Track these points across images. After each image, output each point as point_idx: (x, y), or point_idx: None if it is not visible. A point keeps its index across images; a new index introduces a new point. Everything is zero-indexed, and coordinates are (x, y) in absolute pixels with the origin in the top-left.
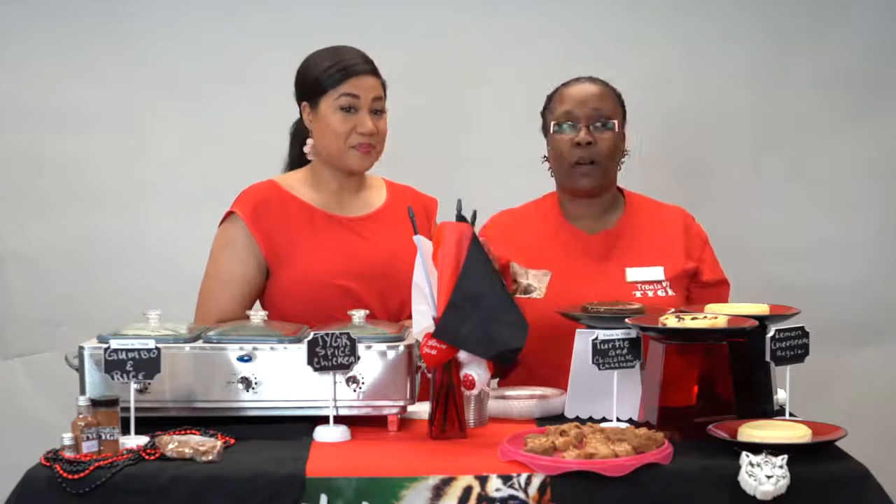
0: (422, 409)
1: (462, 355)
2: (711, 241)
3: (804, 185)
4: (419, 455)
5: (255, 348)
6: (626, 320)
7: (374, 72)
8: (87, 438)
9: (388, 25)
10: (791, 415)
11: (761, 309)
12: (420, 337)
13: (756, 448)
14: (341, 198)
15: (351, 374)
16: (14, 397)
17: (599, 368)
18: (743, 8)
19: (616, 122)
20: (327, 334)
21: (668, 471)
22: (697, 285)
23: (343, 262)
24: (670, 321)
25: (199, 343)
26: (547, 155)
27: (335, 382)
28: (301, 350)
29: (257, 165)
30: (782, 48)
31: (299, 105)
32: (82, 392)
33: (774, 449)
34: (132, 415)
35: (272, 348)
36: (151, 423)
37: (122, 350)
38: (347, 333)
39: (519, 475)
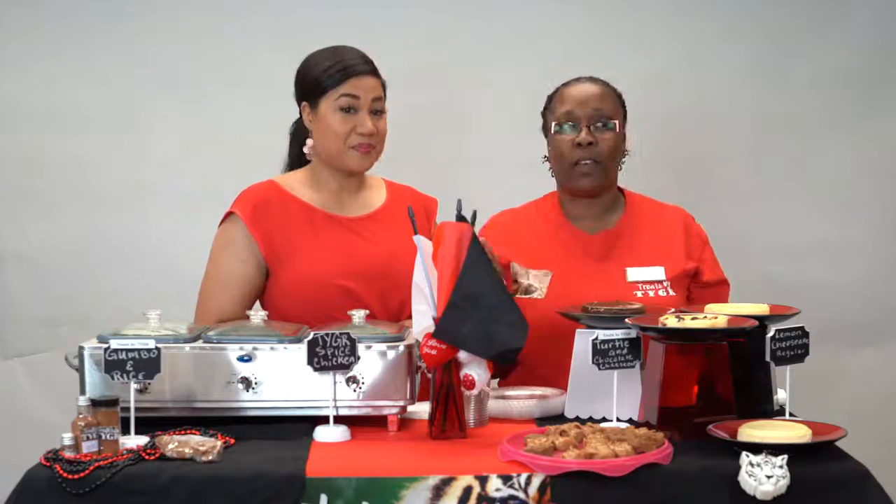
0: (422, 409)
1: (462, 355)
2: (711, 241)
3: (804, 185)
4: (419, 455)
5: (255, 348)
6: (626, 320)
7: (374, 72)
8: (87, 438)
9: (388, 26)
10: (791, 415)
11: (761, 309)
12: (420, 337)
13: (756, 448)
14: (341, 198)
15: (351, 374)
16: (14, 397)
17: (599, 368)
18: (743, 8)
19: (617, 122)
20: (327, 334)
21: (668, 471)
22: (698, 285)
23: (343, 262)
24: (670, 321)
25: (199, 343)
26: (547, 155)
27: (335, 382)
28: (301, 350)
29: (257, 165)
30: (782, 48)
31: (299, 105)
32: (82, 392)
33: (774, 449)
34: (132, 415)
35: (272, 348)
36: (151, 423)
37: (122, 350)
38: (347, 333)
39: (519, 475)
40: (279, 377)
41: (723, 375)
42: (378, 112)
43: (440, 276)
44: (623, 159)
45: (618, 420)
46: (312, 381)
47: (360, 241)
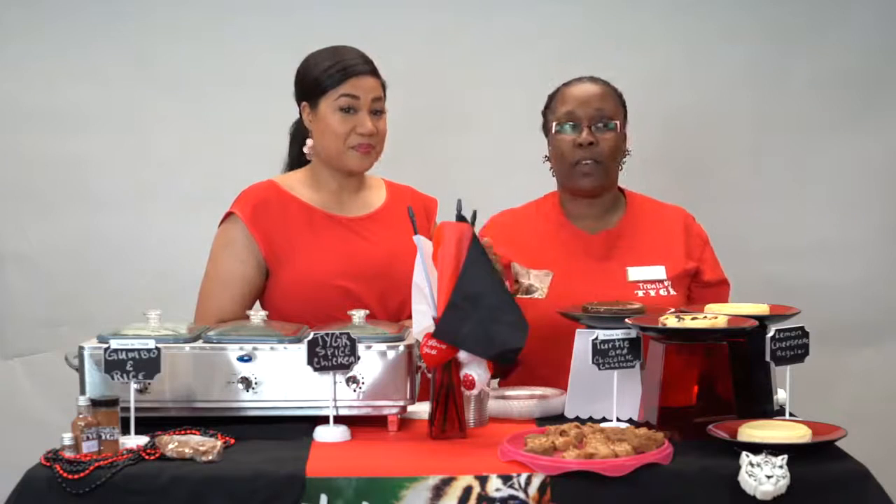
0: (422, 409)
1: (462, 355)
2: (711, 241)
3: (804, 185)
4: (419, 455)
5: (255, 348)
6: (626, 320)
7: (373, 72)
8: (87, 438)
9: (388, 26)
10: (791, 415)
11: (761, 309)
12: (420, 337)
13: (756, 448)
14: (341, 198)
15: (351, 374)
16: (14, 397)
17: (599, 368)
18: (743, 8)
19: (618, 122)
20: (327, 334)
21: (668, 471)
22: (698, 285)
23: (343, 262)
24: (670, 321)
25: (199, 343)
26: (548, 155)
27: (335, 382)
28: (301, 350)
29: (257, 165)
30: (782, 48)
31: (299, 105)
32: (82, 392)
33: (774, 449)
34: (132, 415)
35: (272, 348)
36: (151, 423)
37: (122, 350)
38: (347, 333)
39: (519, 475)
40: (279, 377)
41: (723, 375)
42: (378, 112)
43: (440, 276)
44: (624, 159)
45: (618, 420)
46: (312, 381)
47: (359, 241)
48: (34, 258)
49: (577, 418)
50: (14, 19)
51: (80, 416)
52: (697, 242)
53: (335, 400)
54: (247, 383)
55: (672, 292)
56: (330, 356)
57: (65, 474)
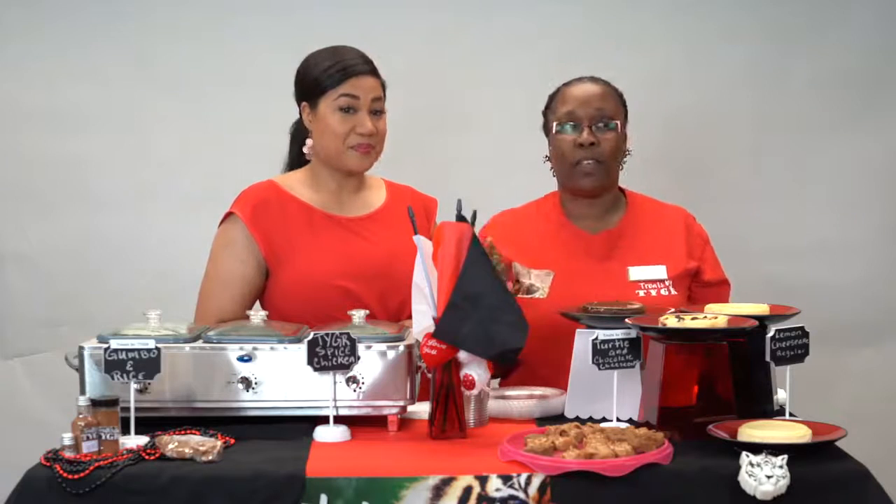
0: (422, 409)
1: (462, 355)
2: (712, 241)
3: (804, 185)
4: (419, 455)
5: (255, 348)
6: (626, 320)
7: (373, 72)
8: (87, 438)
9: (388, 26)
10: (791, 415)
11: (761, 309)
12: (420, 337)
13: (756, 448)
14: (340, 198)
15: (351, 374)
16: (14, 397)
17: (599, 368)
18: (743, 8)
19: (618, 122)
20: (327, 334)
21: (668, 471)
22: (699, 285)
23: (342, 262)
24: (670, 321)
25: (199, 343)
26: (549, 155)
27: (335, 382)
28: (301, 350)
29: (257, 165)
30: (782, 48)
31: (299, 105)
32: (82, 392)
33: (774, 449)
34: (132, 415)
35: (272, 348)
36: (151, 423)
37: (122, 350)
38: (347, 333)
39: (519, 475)
40: (279, 377)
41: (723, 375)
42: (378, 112)
43: (440, 276)
44: (624, 159)
45: (618, 420)
46: (312, 381)
47: (359, 241)
48: (34, 258)
49: (577, 418)
50: (14, 19)
51: (80, 416)
52: (698, 242)
53: (335, 400)
54: (247, 383)
55: (673, 292)
56: (330, 356)
57: (65, 474)
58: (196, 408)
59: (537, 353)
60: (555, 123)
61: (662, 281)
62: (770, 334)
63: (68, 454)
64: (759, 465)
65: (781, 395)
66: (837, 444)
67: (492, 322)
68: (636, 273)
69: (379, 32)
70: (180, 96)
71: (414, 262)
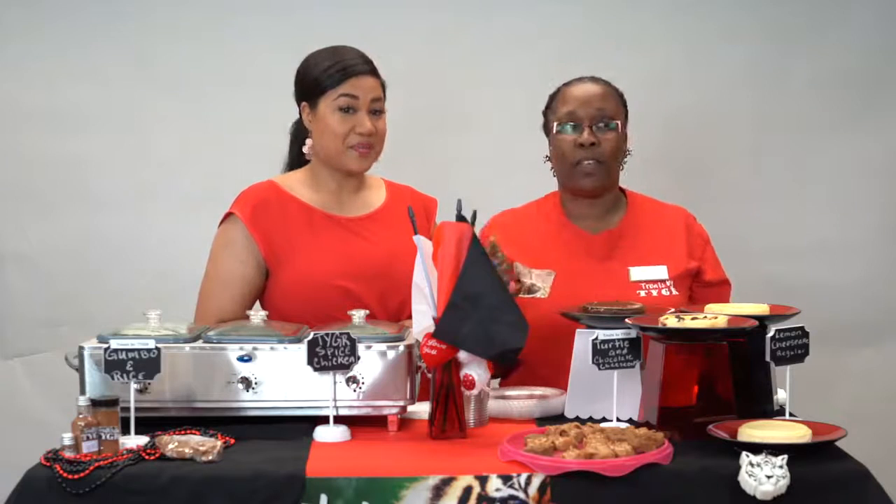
0: (422, 409)
1: (462, 355)
2: (712, 241)
3: (804, 185)
4: (419, 455)
5: (255, 348)
6: (626, 320)
7: (373, 72)
8: (87, 438)
9: (388, 26)
10: (791, 415)
11: (761, 309)
12: (420, 337)
13: (756, 448)
14: (340, 198)
15: (351, 374)
16: (14, 397)
17: (599, 368)
18: (743, 8)
19: (619, 122)
20: (327, 334)
21: (668, 471)
22: (699, 285)
23: (342, 262)
24: (670, 321)
25: (199, 343)
26: (549, 155)
27: (335, 382)
28: (301, 350)
29: (257, 165)
30: (782, 48)
31: (299, 105)
32: (82, 392)
33: (774, 449)
34: (132, 415)
35: (272, 348)
36: (151, 423)
37: (122, 350)
38: (347, 333)
39: (519, 475)
40: (279, 377)
41: (723, 375)
42: (377, 112)
43: (440, 276)
44: (625, 159)
45: (618, 420)
46: (312, 381)
47: (359, 241)
48: (34, 258)
49: (577, 418)
50: (14, 19)
51: (80, 416)
52: (699, 242)
53: (335, 400)
54: (247, 383)
55: (674, 292)
56: (330, 356)
57: (65, 474)
58: (196, 408)
59: (537, 353)
60: (555, 123)
61: (664, 281)
62: (770, 334)
63: (68, 454)
64: (759, 465)
65: (781, 395)
66: (837, 444)
67: (492, 322)
68: (637, 273)
69: (379, 32)
70: (180, 96)
71: (414, 262)
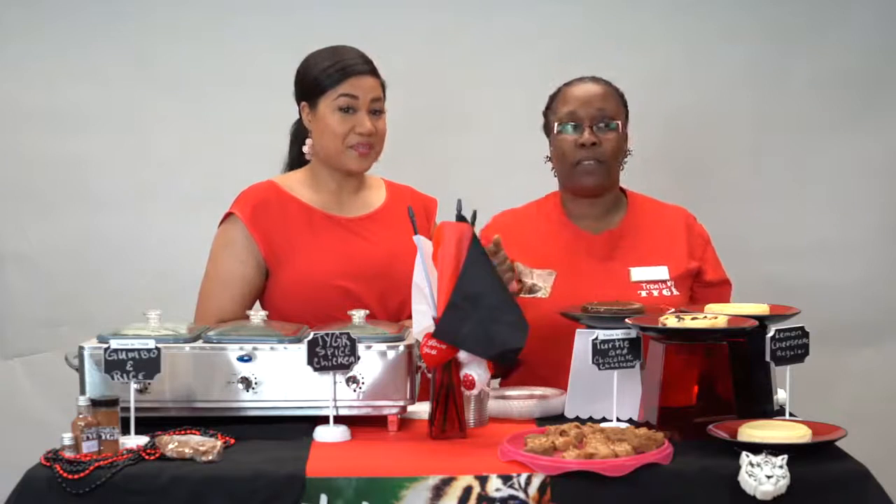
0: (422, 409)
1: (462, 355)
2: (712, 241)
3: (804, 185)
4: (419, 455)
5: (255, 348)
6: (626, 320)
7: (373, 72)
8: (87, 438)
9: (388, 26)
10: (791, 415)
11: (761, 309)
12: (420, 337)
13: (756, 448)
14: (340, 198)
15: (351, 374)
16: (14, 397)
17: (599, 368)
18: (743, 8)
19: (619, 122)
20: (327, 334)
21: (668, 471)
22: (700, 285)
23: (342, 262)
24: (670, 321)
25: (199, 343)
26: (549, 155)
27: (335, 382)
28: (301, 350)
29: (257, 165)
30: (782, 48)
31: (299, 105)
32: (82, 392)
33: (774, 449)
34: (132, 415)
35: (272, 348)
36: (151, 423)
37: (122, 350)
38: (347, 333)
39: (519, 475)
40: (279, 377)
41: (723, 375)
42: (377, 112)
43: (440, 276)
44: (625, 159)
45: (618, 420)
46: (312, 381)
47: (359, 241)
48: (34, 258)
49: (577, 418)
50: (14, 19)
51: (80, 416)
52: (699, 242)
53: (335, 400)
54: (247, 383)
55: (675, 292)
56: (330, 356)
57: (65, 474)
58: (196, 408)
59: (538, 353)
60: (556, 123)
61: (665, 281)
62: (770, 334)
63: (68, 454)
64: (759, 465)
65: (781, 395)
66: (837, 444)
67: (492, 322)
68: (638, 274)
69: (379, 32)
70: (180, 96)
71: (414, 262)
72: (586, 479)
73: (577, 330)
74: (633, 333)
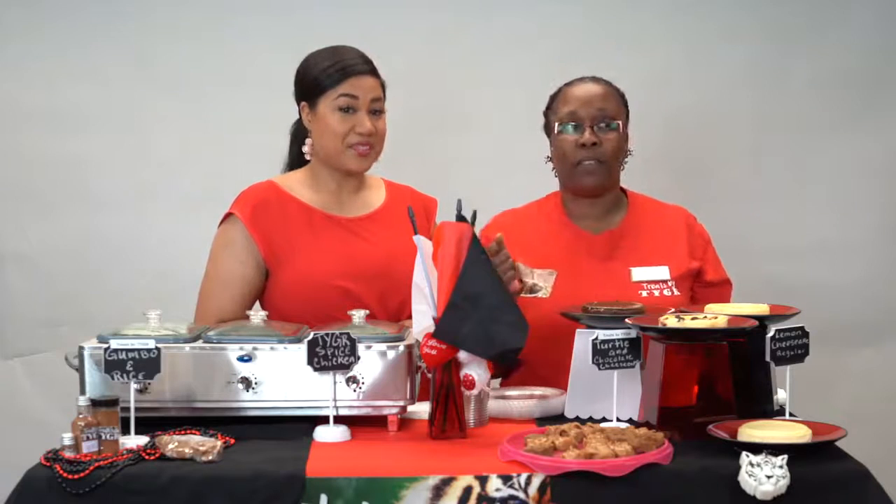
0: (422, 409)
1: (462, 355)
2: (712, 241)
3: (804, 185)
4: (419, 455)
5: (255, 348)
6: (627, 320)
7: (373, 72)
8: (87, 438)
9: (388, 26)
10: (791, 415)
11: (761, 309)
12: (420, 337)
13: (756, 448)
14: (340, 198)
15: (351, 374)
16: (14, 397)
17: (599, 368)
18: (743, 8)
19: (620, 122)
20: (327, 334)
21: (668, 471)
22: (701, 285)
23: (342, 262)
24: (670, 321)
25: (199, 343)
26: (550, 155)
27: (335, 382)
28: (301, 350)
29: (257, 165)
30: (782, 48)
31: (298, 105)
32: (82, 392)
33: (774, 449)
34: (132, 415)
35: (272, 348)
36: (151, 423)
37: (122, 350)
38: (347, 333)
39: (519, 475)
40: (279, 377)
41: (723, 375)
42: (377, 112)
43: (440, 276)
44: (626, 159)
45: (618, 420)
46: (312, 381)
47: (359, 241)
48: (34, 258)
49: (577, 418)
50: (14, 19)
51: (80, 416)
52: (700, 242)
53: (335, 400)
54: (247, 383)
55: (676, 292)
56: (330, 356)
57: (65, 474)
58: (196, 408)
59: (538, 353)
60: (556, 123)
61: (665, 282)
62: (770, 334)
63: (68, 454)
64: (759, 465)
65: (781, 395)
66: (837, 444)
67: (492, 322)
68: (639, 274)
69: (379, 32)
70: (180, 96)
71: (414, 262)
72: (586, 479)
73: (578, 330)
74: (633, 333)
